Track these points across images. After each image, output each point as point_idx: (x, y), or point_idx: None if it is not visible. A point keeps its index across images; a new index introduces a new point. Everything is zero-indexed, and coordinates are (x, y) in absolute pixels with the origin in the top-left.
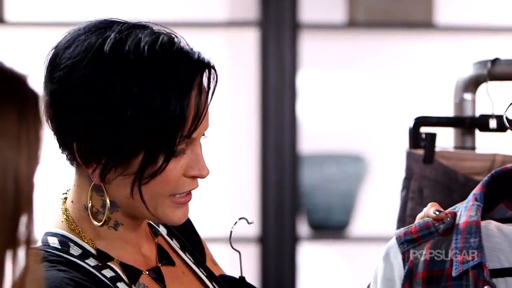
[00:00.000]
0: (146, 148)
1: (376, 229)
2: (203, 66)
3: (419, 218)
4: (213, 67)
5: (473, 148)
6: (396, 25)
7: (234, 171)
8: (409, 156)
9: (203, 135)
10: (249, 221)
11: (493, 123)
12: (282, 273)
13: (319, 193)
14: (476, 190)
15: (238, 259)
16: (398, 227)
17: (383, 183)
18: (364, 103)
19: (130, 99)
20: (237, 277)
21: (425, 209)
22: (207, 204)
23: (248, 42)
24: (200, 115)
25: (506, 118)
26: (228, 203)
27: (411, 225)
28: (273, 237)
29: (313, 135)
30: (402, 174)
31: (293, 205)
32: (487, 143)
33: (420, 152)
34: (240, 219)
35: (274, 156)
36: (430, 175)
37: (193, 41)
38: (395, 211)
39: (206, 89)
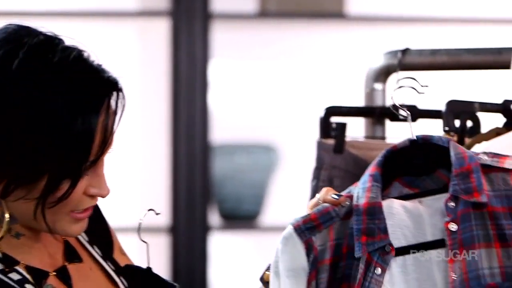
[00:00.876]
0: (49, 173)
1: (287, 219)
2: (112, 87)
3: (312, 205)
4: (121, 89)
5: (383, 138)
6: (307, 15)
7: (145, 161)
8: (320, 146)
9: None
10: (157, 212)
11: (403, 113)
12: (193, 263)
13: (230, 183)
14: (372, 171)
15: (144, 250)
16: None
17: (293, 172)
18: (275, 93)
19: (35, 119)
20: (144, 267)
21: (319, 195)
22: (118, 194)
23: (159, 32)
24: (107, 140)
25: (394, 105)
26: (139, 193)
27: (308, 213)
28: (184, 227)
29: (224, 125)
30: (312, 163)
31: (204, 195)
32: (397, 133)
33: (331, 142)
34: (148, 210)
35: (185, 146)
36: (340, 165)
37: (103, 31)
38: (305, 201)
39: (114, 112)
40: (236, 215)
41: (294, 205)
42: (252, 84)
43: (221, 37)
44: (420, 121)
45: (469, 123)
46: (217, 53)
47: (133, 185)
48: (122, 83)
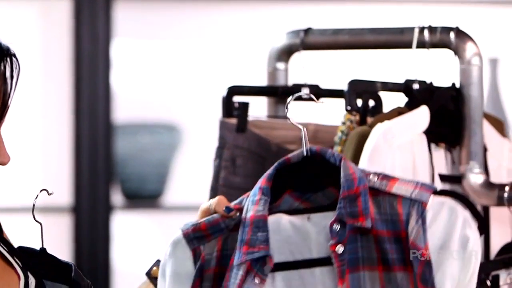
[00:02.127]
0: None
1: (190, 198)
2: (3, 54)
3: (203, 211)
4: (14, 55)
5: (286, 117)
6: None
7: (46, 140)
8: (222, 125)
9: None
10: (49, 192)
11: (306, 93)
12: (96, 242)
13: (133, 162)
14: (262, 184)
15: (45, 231)
16: (210, 196)
17: (196, 152)
18: (178, 72)
19: None
20: (38, 249)
21: (212, 202)
22: (19, 173)
23: (62, 10)
24: (6, 104)
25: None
26: (40, 172)
27: (199, 221)
28: (87, 207)
29: (127, 104)
30: (215, 143)
31: (106, 174)
32: (300, 112)
33: (233, 121)
34: (41, 191)
35: (87, 125)
36: (243, 144)
37: (4, 10)
38: (208, 180)
39: (10, 77)
40: (139, 195)
41: (197, 185)
42: (155, 64)
43: (123, 16)
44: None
45: (371, 103)
46: (119, 32)
47: (34, 164)
48: (13, 50)
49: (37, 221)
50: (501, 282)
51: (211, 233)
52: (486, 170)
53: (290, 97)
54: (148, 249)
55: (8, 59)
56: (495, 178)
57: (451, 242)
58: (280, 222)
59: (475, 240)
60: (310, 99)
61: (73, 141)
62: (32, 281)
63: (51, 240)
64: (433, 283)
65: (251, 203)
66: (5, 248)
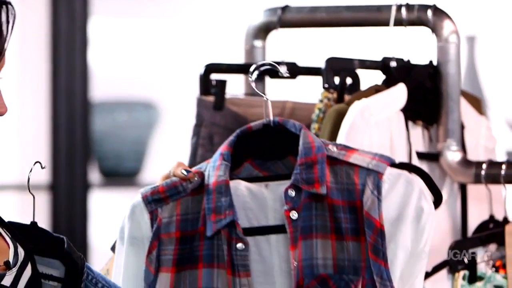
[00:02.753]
0: None
1: None
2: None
3: (164, 177)
4: (10, 3)
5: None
6: None
7: (24, 118)
8: (200, 103)
9: None
10: (42, 166)
11: (283, 70)
12: (73, 220)
13: (111, 140)
14: (223, 149)
15: (32, 205)
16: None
17: (174, 130)
18: (155, 50)
19: None
20: (29, 223)
21: (171, 168)
22: None
23: None
24: (2, 47)
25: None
26: (18, 150)
27: (157, 185)
28: (64, 185)
29: (104, 82)
30: (192, 121)
31: (84, 152)
32: (277, 90)
33: (211, 99)
34: (34, 164)
35: (64, 103)
36: (220, 122)
37: None
38: (186, 158)
39: (6, 23)
40: (116, 173)
41: (174, 163)
42: (132, 42)
43: None
44: (300, 78)
45: (348, 80)
46: (97, 10)
47: (12, 142)
48: None
49: (31, 193)
50: (479, 259)
51: (169, 195)
52: (463, 148)
53: (253, 69)
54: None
55: (4, 6)
56: (472, 156)
57: (405, 213)
58: (237, 188)
59: (430, 213)
60: (288, 76)
61: (50, 119)
62: (21, 251)
63: (29, 218)
64: (385, 253)
65: (212, 168)
66: None
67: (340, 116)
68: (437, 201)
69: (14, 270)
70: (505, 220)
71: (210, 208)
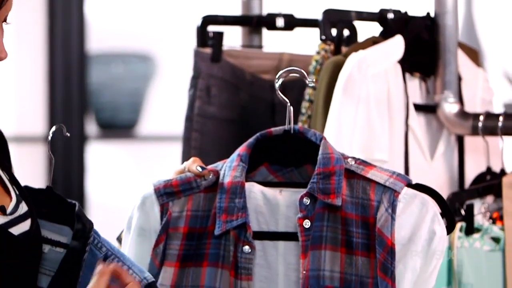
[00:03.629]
0: None
1: (164, 128)
2: None
3: (178, 172)
4: None
5: (260, 46)
6: None
7: (21, 71)
8: (197, 54)
9: (5, 20)
10: (65, 132)
11: (280, 22)
12: (70, 172)
13: (107, 92)
14: (241, 150)
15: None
16: (186, 126)
17: (171, 82)
18: (152, 2)
19: None
20: (44, 187)
21: (186, 163)
22: None
23: None
24: None
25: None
26: (14, 102)
27: (171, 178)
28: (61, 136)
29: (101, 34)
30: (189, 73)
31: (81, 104)
32: (274, 42)
33: (208, 51)
34: (56, 127)
35: (61, 55)
36: (217, 74)
37: None
38: (183, 110)
39: None
40: (113, 125)
41: (171, 115)
42: None
43: None
44: (297, 30)
45: (346, 32)
46: None
47: (8, 94)
48: None
49: (51, 153)
50: (476, 211)
51: (182, 190)
52: (460, 100)
53: (278, 76)
54: (122, 179)
55: None
56: (469, 108)
57: (417, 235)
58: (251, 190)
59: (442, 237)
60: (285, 28)
61: (47, 71)
62: (23, 207)
63: (25, 170)
64: (393, 272)
65: (229, 168)
66: (6, 176)
67: (337, 68)
68: (450, 226)
69: (9, 217)
70: (502, 172)
71: (222, 208)
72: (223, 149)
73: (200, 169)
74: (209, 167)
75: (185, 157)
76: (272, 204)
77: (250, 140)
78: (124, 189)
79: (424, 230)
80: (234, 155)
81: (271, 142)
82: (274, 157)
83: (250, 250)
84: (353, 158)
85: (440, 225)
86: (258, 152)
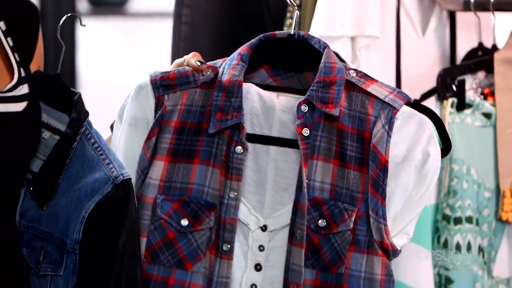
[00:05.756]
0: None
1: (155, 5)
2: None
3: (176, 64)
4: None
5: None
6: None
7: None
8: None
9: None
10: (82, 23)
11: None
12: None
13: None
14: (242, 50)
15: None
16: (176, 2)
17: None
18: None
19: None
20: (53, 74)
21: (186, 57)
22: None
23: None
24: None
25: None
26: None
27: (168, 70)
28: (52, 12)
29: None
30: None
31: None
32: None
33: None
34: (69, 15)
35: None
36: None
37: None
38: None
39: None
40: (105, 1)
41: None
42: None
43: None
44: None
45: None
46: None
47: None
48: None
49: (61, 42)
50: (467, 87)
51: (178, 83)
52: None
53: None
54: (113, 56)
55: None
56: None
57: (411, 155)
58: (248, 91)
59: (436, 159)
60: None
61: None
62: (24, 89)
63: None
64: (384, 190)
65: (228, 66)
66: (17, 58)
67: None
68: (445, 150)
69: (4, 89)
70: (494, 48)
71: (218, 106)
72: (214, 25)
73: (199, 64)
74: (208, 63)
75: (176, 34)
76: (267, 107)
77: (253, 40)
78: (115, 65)
79: (418, 150)
80: (235, 54)
81: (273, 45)
82: (275, 60)
83: (242, 151)
84: (355, 70)
85: (435, 147)
86: (259, 54)
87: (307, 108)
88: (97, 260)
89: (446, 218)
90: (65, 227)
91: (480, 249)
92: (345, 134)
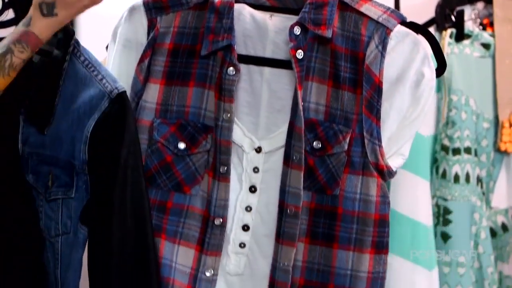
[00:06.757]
0: None
1: None
2: None
3: None
4: None
5: None
6: None
7: None
8: None
9: None
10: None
11: None
12: None
13: None
14: None
15: None
16: None
17: None
18: None
19: None
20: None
21: None
22: None
23: None
24: None
25: None
26: None
27: None
28: None
29: None
30: None
31: None
32: None
33: None
34: None
35: None
36: None
37: None
38: None
39: None
40: None
41: None
42: None
43: None
44: None
45: None
46: None
47: None
48: None
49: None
50: (466, 17)
51: (171, 5)
52: None
53: None
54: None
55: None
56: None
57: (406, 74)
58: (241, 12)
59: (430, 80)
60: None
61: None
62: (9, 13)
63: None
64: (379, 111)
65: None
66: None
67: None
68: (440, 69)
69: None
70: None
71: (210, 28)
72: None
73: None
74: None
75: None
76: (260, 28)
77: None
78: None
79: (413, 70)
80: None
81: None
82: None
83: (234, 72)
84: None
85: (430, 67)
86: None
87: (299, 30)
88: (103, 176)
89: (444, 148)
90: (70, 149)
91: (479, 180)
92: (339, 55)
